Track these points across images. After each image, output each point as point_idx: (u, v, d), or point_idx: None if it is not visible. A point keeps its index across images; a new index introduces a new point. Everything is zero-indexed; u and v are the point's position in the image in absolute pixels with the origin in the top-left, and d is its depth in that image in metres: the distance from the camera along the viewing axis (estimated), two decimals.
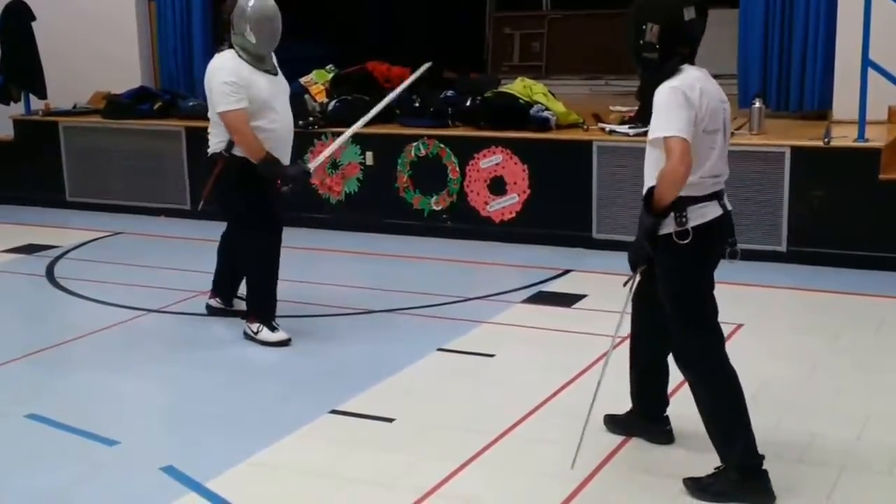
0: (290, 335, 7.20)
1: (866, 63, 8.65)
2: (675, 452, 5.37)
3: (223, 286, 7.82)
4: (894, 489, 5.03)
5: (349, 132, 7.56)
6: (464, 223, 10.06)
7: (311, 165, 7.32)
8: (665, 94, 4.76)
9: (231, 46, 7.04)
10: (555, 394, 6.23)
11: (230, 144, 6.98)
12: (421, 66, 8.04)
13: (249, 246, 7.23)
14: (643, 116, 5.07)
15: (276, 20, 7.03)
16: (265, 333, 7.19)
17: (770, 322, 7.55)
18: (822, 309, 7.89)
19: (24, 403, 6.25)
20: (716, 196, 4.93)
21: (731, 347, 6.80)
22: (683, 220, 4.81)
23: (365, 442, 5.68)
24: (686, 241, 4.82)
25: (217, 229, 10.52)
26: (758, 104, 9.25)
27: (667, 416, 5.55)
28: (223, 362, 7.02)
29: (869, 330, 7.34)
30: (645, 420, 5.57)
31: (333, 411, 6.05)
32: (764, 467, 4.90)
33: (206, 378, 6.76)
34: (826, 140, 8.73)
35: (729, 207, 5.01)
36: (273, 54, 7.21)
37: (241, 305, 7.59)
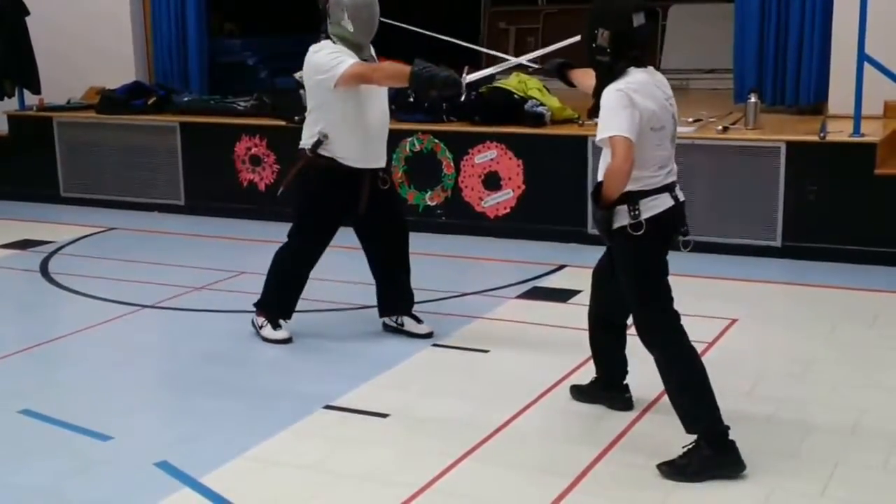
0: (291, 334, 7.18)
1: (862, 57, 8.65)
2: (671, 446, 5.35)
3: (391, 299, 7.38)
4: (889, 483, 5.04)
5: (521, 59, 7.24)
6: (458, 218, 10.06)
7: (466, 78, 6.83)
8: (611, 97, 5.07)
9: (328, 37, 6.80)
10: (549, 389, 6.23)
11: (317, 144, 6.81)
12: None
13: (294, 248, 7.10)
14: (593, 114, 5.30)
15: (373, 5, 6.80)
16: (267, 330, 7.16)
17: (765, 317, 7.53)
18: (817, 303, 7.89)
19: (19, 399, 6.24)
20: (667, 188, 5.20)
21: (726, 342, 6.90)
22: (636, 213, 5.11)
23: (359, 437, 5.68)
24: (640, 233, 5.12)
25: (209, 225, 10.60)
26: (753, 99, 9.25)
27: (626, 385, 5.88)
28: (217, 358, 7.00)
29: (864, 324, 7.35)
30: (606, 388, 5.92)
31: (328, 406, 6.05)
32: (731, 438, 5.08)
33: (200, 373, 6.76)
34: (822, 135, 8.74)
35: (681, 198, 5.29)
36: (371, 45, 6.99)
37: (413, 326, 7.30)
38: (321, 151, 6.82)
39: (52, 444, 5.68)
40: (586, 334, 7.04)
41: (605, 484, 5.07)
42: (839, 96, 9.53)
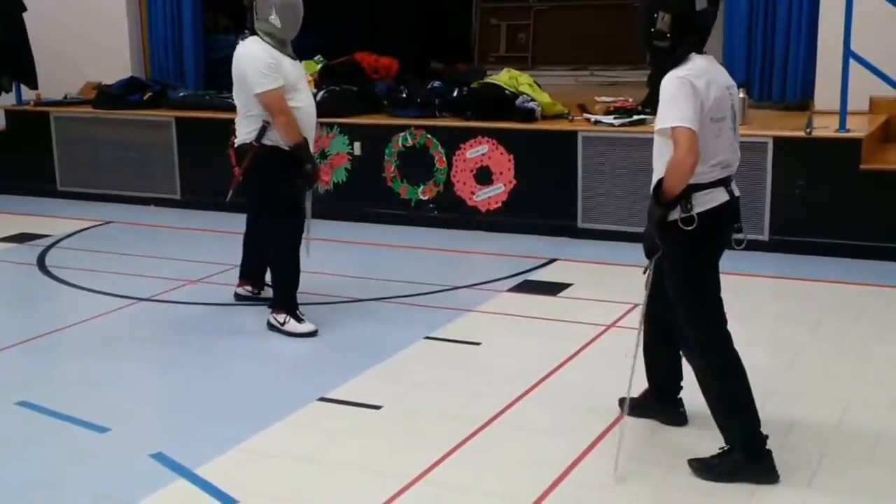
0: (316, 326, 7.26)
1: (847, 54, 8.72)
2: (660, 436, 5.45)
3: (252, 274, 7.91)
4: (874, 475, 5.08)
5: None
6: (450, 213, 10.13)
7: (307, 199, 7.38)
8: (672, 84, 4.82)
9: (254, 33, 7.14)
10: (540, 381, 6.29)
11: (260, 134, 7.07)
12: None
13: (278, 236, 7.27)
14: (650, 104, 5.11)
15: (299, 5, 7.17)
16: (292, 324, 7.23)
17: (752, 310, 7.54)
18: (804, 297, 7.95)
19: (16, 391, 6.30)
20: (722, 182, 4.98)
21: None
22: (689, 206, 4.86)
23: (353, 429, 5.73)
24: (691, 228, 4.87)
25: (204, 219, 10.64)
26: (741, 95, 9.28)
27: (680, 399, 5.60)
28: (212, 350, 7.06)
29: (849, 318, 7.41)
30: (659, 402, 5.63)
31: (322, 399, 6.11)
32: (768, 447, 5.01)
33: (196, 366, 6.82)
34: (808, 130, 8.79)
35: (736, 193, 5.06)
36: (290, 43, 7.29)
37: (270, 292, 7.66)
38: (265, 141, 7.08)
39: (49, 436, 5.73)
40: (576, 326, 7.16)
41: (595, 475, 5.12)
42: (825, 92, 9.61)
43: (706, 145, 4.82)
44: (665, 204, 4.86)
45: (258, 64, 6.98)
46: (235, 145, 7.32)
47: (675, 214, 4.88)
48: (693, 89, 4.78)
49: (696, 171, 4.80)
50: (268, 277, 7.71)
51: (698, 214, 4.88)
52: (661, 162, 4.96)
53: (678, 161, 4.75)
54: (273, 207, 7.22)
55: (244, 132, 7.18)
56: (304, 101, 7.19)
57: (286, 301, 7.29)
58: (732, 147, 5.04)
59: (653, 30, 4.95)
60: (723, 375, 5.04)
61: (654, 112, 5.01)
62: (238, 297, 7.94)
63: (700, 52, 4.98)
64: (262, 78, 6.97)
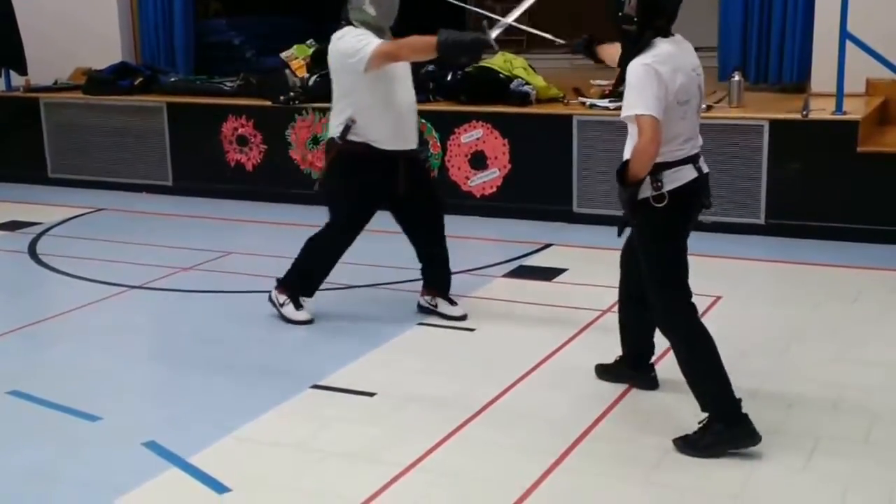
0: (313, 315, 7.20)
1: (844, 36, 8.69)
2: (655, 422, 5.42)
3: (427, 280, 7.44)
4: (870, 457, 5.08)
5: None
6: (445, 198, 10.03)
7: (492, 34, 6.86)
8: (637, 72, 4.97)
9: (349, 24, 6.83)
10: (536, 367, 6.27)
11: (345, 131, 6.80)
12: None
13: (327, 240, 7.09)
14: (619, 84, 5.26)
15: None
16: (289, 309, 7.17)
17: (748, 294, 7.58)
18: (800, 280, 7.94)
19: (7, 380, 6.27)
20: (690, 160, 5.16)
21: (710, 319, 6.83)
22: (659, 184, 5.05)
23: (347, 416, 5.71)
24: (662, 205, 5.07)
25: (196, 206, 10.62)
26: (737, 77, 9.29)
27: (651, 364, 5.87)
28: (204, 338, 7.03)
29: (846, 301, 7.40)
30: (632, 367, 5.89)
31: (315, 386, 6.09)
32: (744, 411, 5.10)
33: (188, 353, 6.79)
34: (804, 113, 8.78)
35: (705, 170, 5.25)
36: (389, 30, 7.00)
37: (446, 308, 7.32)
38: (351, 137, 6.81)
39: (41, 425, 5.71)
40: (572, 311, 7.14)
41: (591, 460, 5.11)
42: (822, 74, 9.59)
43: (673, 127, 5.02)
44: (630, 185, 5.06)
45: (349, 37, 6.69)
46: (326, 137, 7.14)
47: (647, 192, 5.07)
48: (657, 76, 4.94)
49: (663, 151, 4.99)
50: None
51: (669, 192, 5.07)
52: (629, 145, 5.17)
53: (642, 148, 4.94)
54: (343, 209, 7.05)
55: (333, 125, 6.95)
56: (400, 95, 6.90)
57: (294, 284, 7.20)
58: (695, 126, 5.24)
59: (621, 14, 5.11)
60: (689, 343, 5.23)
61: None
62: (420, 308, 7.43)
63: (667, 35, 5.11)
64: (359, 45, 6.61)
